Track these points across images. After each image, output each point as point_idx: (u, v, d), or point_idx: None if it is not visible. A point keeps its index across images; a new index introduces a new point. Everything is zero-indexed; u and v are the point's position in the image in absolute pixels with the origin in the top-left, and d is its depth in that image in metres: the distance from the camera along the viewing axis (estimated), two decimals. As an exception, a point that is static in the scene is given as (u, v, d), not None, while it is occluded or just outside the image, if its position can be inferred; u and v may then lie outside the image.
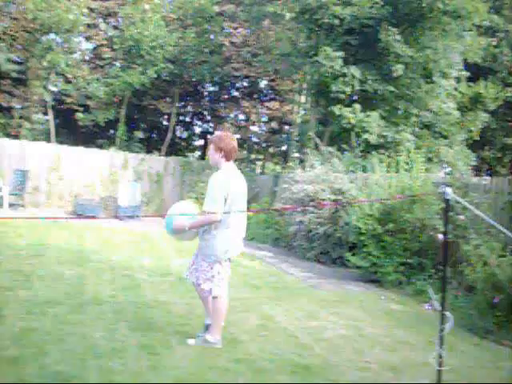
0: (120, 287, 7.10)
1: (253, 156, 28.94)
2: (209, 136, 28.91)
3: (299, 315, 6.64)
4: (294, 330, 5.95)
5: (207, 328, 5.23)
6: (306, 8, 15.60)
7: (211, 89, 28.55)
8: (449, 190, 4.17)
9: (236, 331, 5.69)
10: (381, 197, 9.72)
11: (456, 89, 16.35)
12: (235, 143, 5.26)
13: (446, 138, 16.17)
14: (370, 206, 9.52)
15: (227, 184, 5.02)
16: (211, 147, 5.21)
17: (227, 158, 5.18)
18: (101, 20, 25.75)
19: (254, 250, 12.33)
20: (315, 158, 12.70)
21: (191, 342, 5.14)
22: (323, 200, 11.27)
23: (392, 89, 15.00)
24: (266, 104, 26.60)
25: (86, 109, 23.20)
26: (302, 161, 14.77)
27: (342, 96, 14.84)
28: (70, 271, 7.71)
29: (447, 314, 4.24)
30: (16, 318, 5.38)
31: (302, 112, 21.83)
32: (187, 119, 29.56)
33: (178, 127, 28.22)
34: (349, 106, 15.00)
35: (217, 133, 5.34)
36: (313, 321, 6.45)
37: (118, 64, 22.83)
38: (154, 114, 25.50)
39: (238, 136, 27.86)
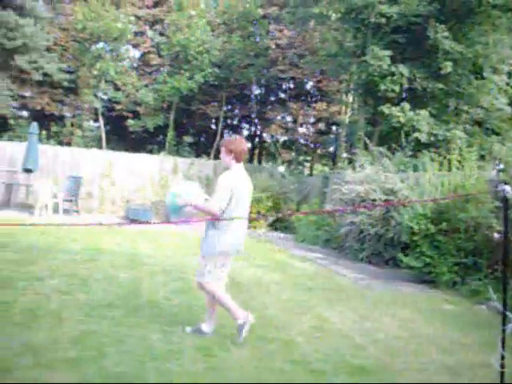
0: (174, 290, 7.19)
1: (301, 158, 28.89)
2: (257, 139, 29.07)
3: (353, 316, 6.60)
4: (348, 332, 5.92)
5: (240, 327, 5.31)
6: (351, 8, 15.54)
7: (258, 91, 28.67)
8: (508, 188, 4.09)
9: (291, 333, 5.69)
10: (433, 196, 9.58)
11: (508, 84, 15.99)
12: (245, 146, 5.52)
13: (498, 134, 15.85)
14: (422, 205, 9.39)
15: (233, 185, 5.25)
16: (222, 150, 5.44)
17: (237, 159, 5.39)
18: (148, 27, 26.16)
19: (305, 251, 12.32)
20: (365, 158, 12.59)
21: (188, 329, 5.44)
22: (374, 200, 11.17)
23: (441, 86, 14.79)
24: (313, 105, 26.54)
25: (136, 115, 23.62)
26: (350, 161, 14.68)
27: (391, 95, 14.71)
28: (124, 274, 7.84)
29: (509, 314, 4.15)
30: (75, 321, 5.49)
31: (350, 112, 21.69)
32: (235, 122, 29.75)
33: (225, 130, 28.41)
34: (397, 104, 14.84)
35: (227, 137, 5.62)
36: (367, 322, 6.40)
37: (165, 70, 23.12)
38: (202, 118, 25.74)
39: (286, 138, 27.92)
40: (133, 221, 15.65)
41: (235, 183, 5.27)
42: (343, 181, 12.38)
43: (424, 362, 5.10)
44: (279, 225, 16.43)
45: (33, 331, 5.09)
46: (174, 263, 9.13)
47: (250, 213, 15.84)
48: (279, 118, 27.26)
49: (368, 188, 11.36)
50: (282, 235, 15.42)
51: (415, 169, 12.05)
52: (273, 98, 28.24)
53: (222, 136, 24.85)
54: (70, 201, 16.27)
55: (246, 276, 8.58)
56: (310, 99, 27.81)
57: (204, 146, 27.20)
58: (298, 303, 7.06)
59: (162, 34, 25.31)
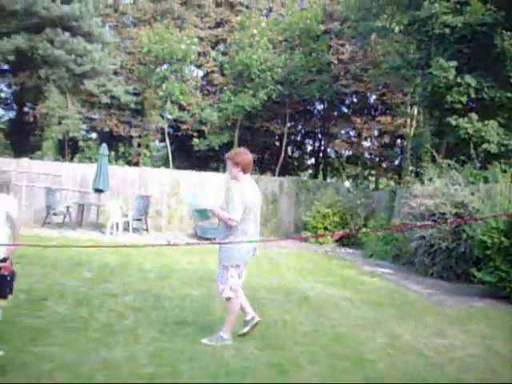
0: (245, 307, 7.24)
1: (366, 172, 28.61)
2: (321, 154, 28.99)
3: (426, 333, 6.48)
4: (422, 349, 5.81)
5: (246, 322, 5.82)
6: (415, 19, 15.36)
7: (321, 107, 28.65)
8: None
9: (363, 350, 5.63)
10: (505, 208, 9.32)
11: None
12: (250, 157, 5.79)
13: None
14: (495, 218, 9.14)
15: (246, 196, 5.56)
16: (229, 163, 5.72)
17: (244, 171, 5.69)
18: (210, 48, 26.60)
19: (374, 266, 12.19)
20: (433, 172, 12.38)
21: (205, 341, 5.55)
22: (444, 214, 10.95)
23: (511, 95, 14.40)
24: (378, 119, 26.30)
25: (201, 134, 23.99)
26: (417, 174, 14.45)
27: (458, 106, 14.43)
28: (196, 292, 7.95)
29: None
30: (149, 338, 5.61)
31: (415, 125, 21.38)
32: (298, 138, 29.79)
33: (289, 147, 28.49)
34: (465, 115, 14.54)
35: (231, 151, 5.92)
36: (441, 339, 6.28)
37: (229, 89, 23.43)
38: (266, 135, 25.91)
39: (350, 152, 27.72)
40: (200, 238, 15.86)
41: (247, 195, 5.58)
42: (411, 195, 12.20)
43: (504, 381, 4.96)
44: (346, 240, 16.31)
45: (109, 347, 5.24)
46: (244, 280, 9.18)
47: (318, 228, 15.83)
48: (343, 132, 27.12)
49: (437, 202, 11.16)
50: (349, 251, 15.29)
51: (486, 181, 11.75)
52: (336, 113, 28.14)
53: (286, 152, 24.93)
54: (140, 219, 16.64)
55: (315, 292, 8.56)
56: (373, 113, 27.58)
57: (268, 162, 27.34)
58: (369, 319, 6.99)
59: (224, 54, 25.70)
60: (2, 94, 29.40)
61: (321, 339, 5.90)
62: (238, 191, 5.58)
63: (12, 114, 29.99)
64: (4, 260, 5.03)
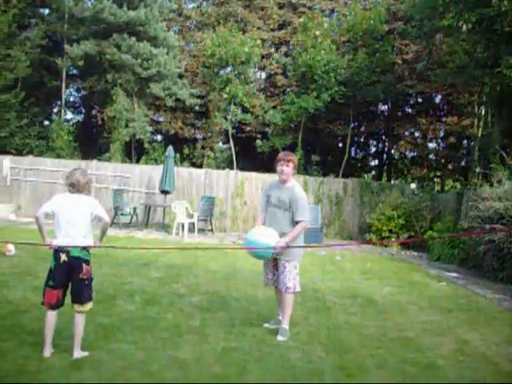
0: (312, 309, 7.25)
1: (431, 174, 28.08)
2: (385, 156, 28.65)
3: (497, 340, 6.33)
4: (493, 356, 5.68)
5: (279, 321, 6.16)
6: (483, 18, 15.00)
7: (384, 108, 28.33)
8: None
9: (432, 355, 5.55)
10: None
11: None
12: None
13: None
14: None
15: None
16: (291, 165, 6.04)
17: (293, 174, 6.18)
18: (273, 49, 26.70)
19: (441, 270, 11.98)
20: (502, 173, 12.06)
21: (281, 338, 5.79)
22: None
23: None
24: (443, 119, 25.80)
25: (264, 135, 24.10)
26: (485, 176, 14.11)
27: (529, 106, 14.03)
28: (261, 293, 8.01)
29: None
30: (217, 338, 5.70)
31: (483, 125, 20.84)
32: (362, 140, 29.52)
33: (352, 148, 28.28)
34: (536, 115, 14.13)
35: (286, 152, 6.20)
36: (513, 346, 6.13)
37: (292, 90, 23.45)
38: (329, 136, 25.80)
39: (415, 154, 27.28)
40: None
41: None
42: (479, 197, 11.93)
43: None
44: (412, 243, 16.06)
45: (177, 346, 5.36)
46: (310, 282, 9.20)
47: (382, 230, 15.61)
48: (407, 133, 26.71)
49: (508, 204, 10.86)
50: (414, 253, 15.06)
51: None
52: (400, 114, 27.76)
53: (349, 154, 24.74)
54: (205, 220, 16.89)
55: (381, 296, 8.49)
56: (439, 113, 27.07)
57: (331, 164, 27.21)
58: (437, 324, 6.88)
59: (287, 56, 25.76)
60: (71, 98, 30.37)
61: (388, 343, 5.86)
62: (302, 191, 6.09)
63: (80, 118, 30.94)
64: (87, 262, 5.04)
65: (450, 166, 27.15)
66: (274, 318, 6.43)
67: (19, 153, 21.73)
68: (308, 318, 6.80)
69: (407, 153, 27.94)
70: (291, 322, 6.09)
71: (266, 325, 6.26)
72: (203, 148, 25.47)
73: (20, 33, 24.00)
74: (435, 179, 28.57)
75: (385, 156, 29.46)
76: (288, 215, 5.95)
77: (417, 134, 27.03)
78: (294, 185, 6.08)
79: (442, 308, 7.90)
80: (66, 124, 24.42)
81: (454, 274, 11.54)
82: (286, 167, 5.99)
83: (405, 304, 7.98)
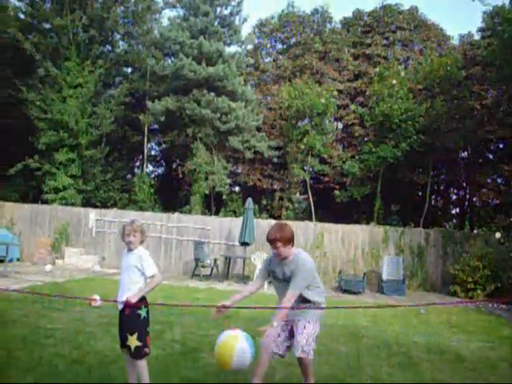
0: (396, 365, 7.04)
1: (516, 222, 27.04)
2: (466, 204, 27.90)
3: None
4: None
5: None
6: None
7: (464, 154, 27.74)
8: None
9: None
10: None
11: None
12: None
13: None
14: None
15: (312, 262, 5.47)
16: (280, 245, 5.29)
17: (293, 244, 5.41)
18: (349, 100, 26.85)
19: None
20: None
21: None
22: None
23: None
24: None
25: (342, 185, 24.05)
26: None
27: None
28: (344, 348, 7.88)
29: None
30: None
31: None
32: (441, 187, 28.93)
33: (432, 196, 27.72)
34: None
35: (269, 232, 5.39)
36: None
37: (370, 140, 23.40)
38: (408, 185, 25.43)
39: (498, 201, 26.42)
40: (345, 291, 15.74)
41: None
42: None
43: None
44: (499, 295, 15.44)
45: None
46: (393, 336, 8.98)
47: (467, 282, 15.08)
48: (489, 180, 25.97)
49: None
50: (503, 306, 14.44)
51: None
52: (481, 161, 27.07)
53: (430, 203, 24.26)
54: (284, 272, 16.84)
55: (470, 352, 8.16)
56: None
57: (411, 213, 26.72)
58: (533, 383, 6.55)
59: (364, 105, 25.83)
60: (153, 152, 31.40)
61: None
62: (306, 260, 5.40)
63: (161, 171, 31.89)
64: (142, 340, 5.10)
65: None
66: None
67: (104, 206, 22.55)
68: (393, 374, 6.61)
69: (490, 200, 27.10)
70: (374, 378, 5.94)
71: None
72: (281, 199, 25.65)
73: (105, 91, 25.23)
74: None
75: (466, 204, 28.69)
76: None
77: (499, 181, 26.24)
78: (296, 255, 5.40)
79: (537, 365, 7.52)
80: (147, 177, 25.21)
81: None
82: (276, 249, 5.33)
83: (496, 361, 7.63)
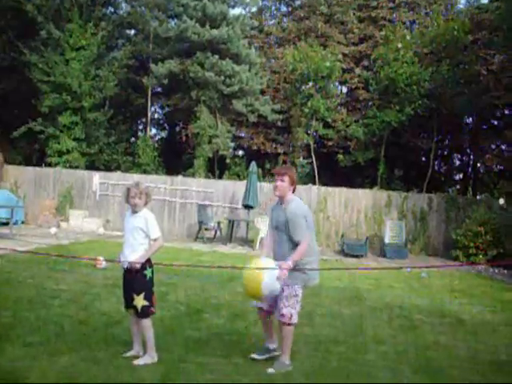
0: (398, 327, 7.15)
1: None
2: (469, 169, 27.88)
3: None
4: None
5: (268, 350, 5.54)
6: None
7: (469, 120, 27.57)
8: None
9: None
10: None
11: None
12: None
13: None
14: None
15: (306, 210, 5.47)
16: (286, 179, 5.37)
17: (294, 189, 5.47)
18: (354, 64, 26.58)
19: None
20: None
21: (271, 370, 5.17)
22: None
23: None
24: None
25: (346, 150, 23.99)
26: None
27: None
28: (347, 310, 7.98)
29: None
30: (304, 355, 5.72)
31: None
32: (445, 153, 28.85)
33: (436, 162, 27.65)
34: None
35: (285, 167, 5.53)
36: None
37: (374, 104, 23.26)
38: (412, 150, 25.35)
39: (502, 167, 26.38)
40: (346, 254, 15.85)
41: (306, 209, 5.54)
42: None
43: None
44: (501, 260, 15.52)
45: (266, 362, 5.39)
46: (394, 300, 9.09)
47: (469, 247, 15.18)
48: (494, 146, 25.87)
49: None
50: (504, 271, 14.54)
51: None
52: (486, 126, 26.92)
53: (433, 168, 24.22)
54: (287, 235, 16.92)
55: (471, 315, 8.27)
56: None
57: (414, 178, 26.70)
58: (532, 346, 6.64)
59: (368, 69, 25.58)
60: (156, 115, 31.28)
61: (479, 366, 5.69)
62: (301, 208, 5.43)
63: (165, 134, 31.79)
64: (149, 299, 5.22)
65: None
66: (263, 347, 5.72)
67: (107, 169, 22.57)
68: (395, 336, 6.71)
69: (494, 166, 27.04)
70: (376, 340, 6.02)
71: (253, 355, 5.52)
72: (285, 163, 25.61)
73: (108, 54, 25.02)
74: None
75: (470, 170, 28.64)
76: (287, 238, 5.34)
77: (503, 147, 26.14)
78: (290, 201, 5.40)
79: (537, 329, 7.62)
80: (150, 140, 25.16)
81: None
82: (281, 182, 5.36)
83: (496, 325, 7.74)
